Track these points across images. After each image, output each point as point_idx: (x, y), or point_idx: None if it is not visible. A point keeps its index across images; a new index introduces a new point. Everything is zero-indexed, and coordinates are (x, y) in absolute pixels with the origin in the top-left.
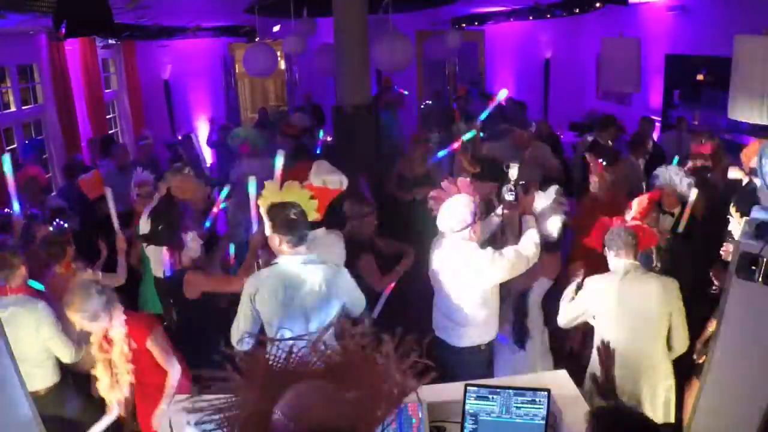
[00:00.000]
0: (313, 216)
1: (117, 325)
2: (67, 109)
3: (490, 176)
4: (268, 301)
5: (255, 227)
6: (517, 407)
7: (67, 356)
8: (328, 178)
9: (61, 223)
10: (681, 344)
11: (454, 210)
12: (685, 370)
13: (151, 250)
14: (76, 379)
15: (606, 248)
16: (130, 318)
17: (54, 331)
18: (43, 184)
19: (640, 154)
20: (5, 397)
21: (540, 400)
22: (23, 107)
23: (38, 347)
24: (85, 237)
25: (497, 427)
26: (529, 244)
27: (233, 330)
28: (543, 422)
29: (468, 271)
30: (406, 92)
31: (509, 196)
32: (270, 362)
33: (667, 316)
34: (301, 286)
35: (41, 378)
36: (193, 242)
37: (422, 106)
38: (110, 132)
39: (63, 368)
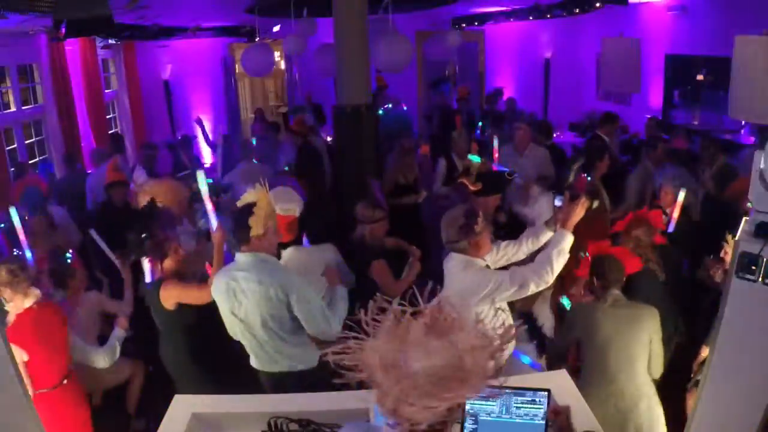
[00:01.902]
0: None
1: (12, 309)
2: (67, 109)
3: (493, 189)
4: (217, 296)
5: (214, 223)
6: (517, 407)
7: (102, 362)
8: (282, 207)
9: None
10: (657, 369)
11: (449, 221)
12: (680, 384)
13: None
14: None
15: (593, 276)
16: (23, 316)
17: (78, 349)
18: (43, 193)
19: (657, 159)
20: (8, 403)
21: (540, 400)
22: (23, 107)
23: None
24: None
25: (497, 427)
26: (540, 266)
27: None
28: (543, 422)
29: (461, 289)
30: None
31: (558, 202)
32: (392, 322)
33: (648, 342)
34: (239, 282)
35: None
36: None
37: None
38: (110, 132)
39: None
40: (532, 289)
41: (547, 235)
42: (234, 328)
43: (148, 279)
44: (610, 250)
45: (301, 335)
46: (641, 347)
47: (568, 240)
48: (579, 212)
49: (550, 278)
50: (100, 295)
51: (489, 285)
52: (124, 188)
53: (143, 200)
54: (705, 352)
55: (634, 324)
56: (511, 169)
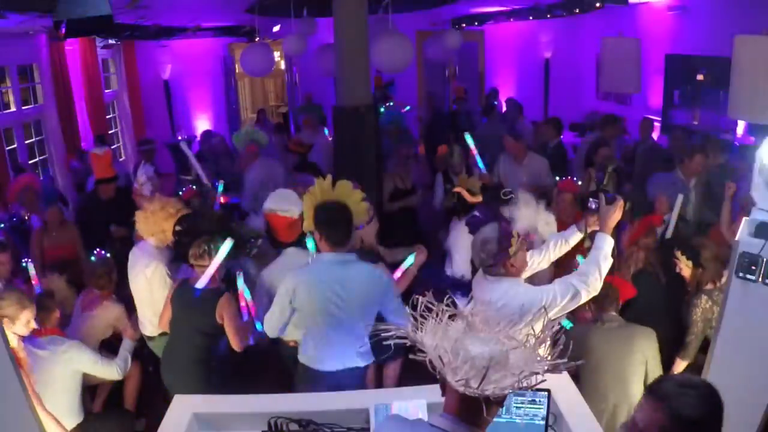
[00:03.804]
0: (363, 219)
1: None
2: (67, 109)
3: (493, 201)
4: (306, 299)
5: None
6: (517, 407)
7: (116, 375)
8: (281, 208)
9: (103, 253)
10: None
11: (484, 242)
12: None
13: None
14: (97, 416)
15: (592, 301)
16: None
17: (93, 363)
18: (38, 191)
19: (691, 170)
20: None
21: (540, 400)
22: (23, 107)
23: (70, 386)
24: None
25: (497, 427)
26: (587, 273)
27: (267, 321)
28: (543, 422)
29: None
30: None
31: (593, 205)
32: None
33: (643, 362)
34: (338, 285)
35: (67, 419)
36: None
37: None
38: (110, 132)
39: (86, 408)
40: (584, 297)
41: (576, 238)
42: (319, 328)
43: (202, 284)
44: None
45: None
46: (634, 367)
47: (610, 243)
48: (617, 214)
49: (599, 285)
50: (123, 311)
51: (541, 302)
52: (114, 185)
53: (148, 208)
54: (679, 366)
55: (627, 344)
56: (507, 188)
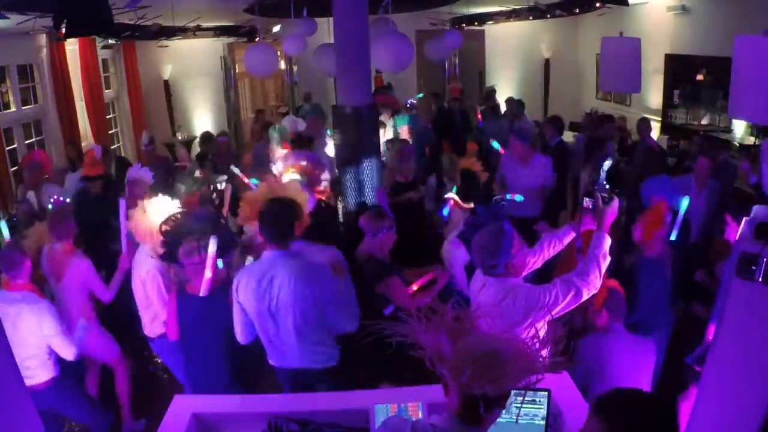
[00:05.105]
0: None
1: None
2: (67, 109)
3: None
4: (245, 297)
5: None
6: (517, 407)
7: (69, 353)
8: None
9: (61, 199)
10: None
11: (486, 242)
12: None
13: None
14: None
15: (606, 309)
16: None
17: (55, 328)
18: (47, 173)
19: (702, 174)
20: (5, 395)
21: (540, 400)
22: (23, 107)
23: (40, 343)
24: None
25: (497, 428)
26: (588, 272)
27: (236, 327)
28: (543, 422)
29: (509, 312)
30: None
31: (589, 205)
32: (450, 315)
33: (648, 374)
34: (268, 283)
35: (41, 372)
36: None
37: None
38: (110, 132)
39: (62, 363)
40: (585, 295)
41: (569, 237)
42: (263, 326)
43: (204, 292)
44: (619, 286)
45: (326, 332)
46: (646, 380)
47: (608, 241)
48: (613, 213)
49: (599, 282)
50: (91, 267)
51: (544, 301)
52: (101, 182)
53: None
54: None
55: (643, 357)
56: (501, 196)
